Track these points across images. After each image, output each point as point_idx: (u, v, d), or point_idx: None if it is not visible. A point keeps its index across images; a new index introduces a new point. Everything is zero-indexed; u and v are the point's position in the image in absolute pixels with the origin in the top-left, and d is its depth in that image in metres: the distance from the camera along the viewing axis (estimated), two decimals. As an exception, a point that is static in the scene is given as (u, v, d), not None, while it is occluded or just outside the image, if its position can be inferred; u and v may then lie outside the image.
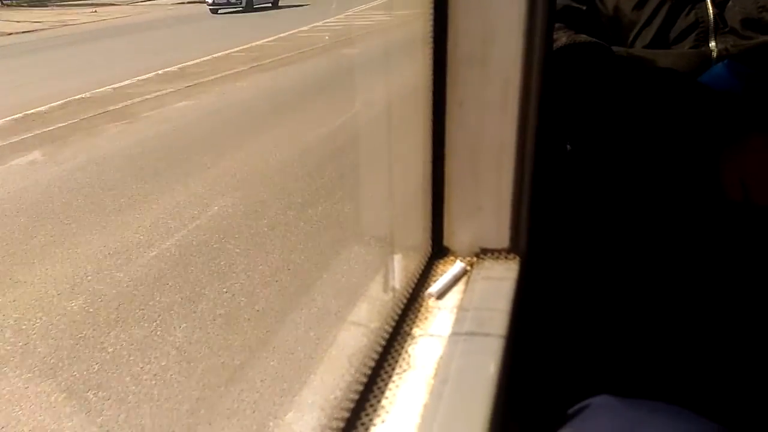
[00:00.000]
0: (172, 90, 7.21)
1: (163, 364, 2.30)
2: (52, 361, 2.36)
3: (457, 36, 0.65)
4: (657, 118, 0.87)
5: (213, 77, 7.81)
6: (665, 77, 0.90)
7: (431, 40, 0.66)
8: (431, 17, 0.66)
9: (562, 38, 0.96)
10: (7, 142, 5.39)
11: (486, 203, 0.72)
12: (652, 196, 0.88)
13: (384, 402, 0.54)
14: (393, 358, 0.59)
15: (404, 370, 0.58)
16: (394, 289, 0.70)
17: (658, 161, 0.87)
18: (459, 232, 0.75)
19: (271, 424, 1.99)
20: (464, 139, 0.69)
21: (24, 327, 2.60)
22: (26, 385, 2.23)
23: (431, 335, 0.62)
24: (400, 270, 0.75)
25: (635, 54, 0.95)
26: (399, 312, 0.65)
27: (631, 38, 0.97)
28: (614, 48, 0.96)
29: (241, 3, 17.51)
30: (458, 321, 0.63)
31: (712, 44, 0.90)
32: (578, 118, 0.99)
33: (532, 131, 0.71)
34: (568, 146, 1.04)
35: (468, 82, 0.67)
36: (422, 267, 0.74)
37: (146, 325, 2.55)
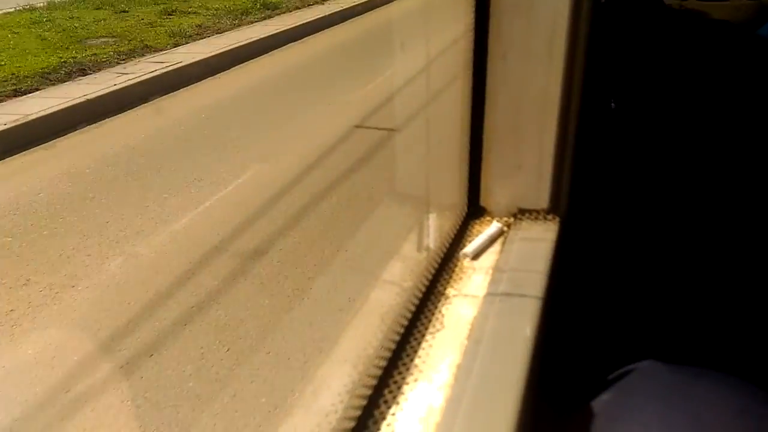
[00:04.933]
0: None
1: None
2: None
3: (502, -19, 0.61)
4: (710, 73, 0.81)
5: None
6: (720, 29, 0.84)
7: (474, -14, 0.63)
8: (474, -38, 0.62)
9: None
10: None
11: (526, 161, 0.69)
12: (699, 158, 0.84)
13: (417, 361, 0.53)
14: (426, 317, 0.58)
15: (437, 330, 0.57)
16: (428, 248, 0.69)
17: (708, 120, 0.82)
18: (496, 192, 0.72)
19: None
20: (506, 92, 0.66)
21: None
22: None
23: (465, 295, 0.61)
24: (435, 229, 0.73)
25: (688, 6, 0.89)
26: (433, 272, 0.64)
27: None
28: (666, 0, 0.90)
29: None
30: (494, 282, 0.62)
31: None
32: (625, 74, 0.94)
33: (579, 85, 0.67)
34: (613, 104, 1.00)
35: (512, 32, 0.63)
36: (457, 227, 0.72)
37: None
